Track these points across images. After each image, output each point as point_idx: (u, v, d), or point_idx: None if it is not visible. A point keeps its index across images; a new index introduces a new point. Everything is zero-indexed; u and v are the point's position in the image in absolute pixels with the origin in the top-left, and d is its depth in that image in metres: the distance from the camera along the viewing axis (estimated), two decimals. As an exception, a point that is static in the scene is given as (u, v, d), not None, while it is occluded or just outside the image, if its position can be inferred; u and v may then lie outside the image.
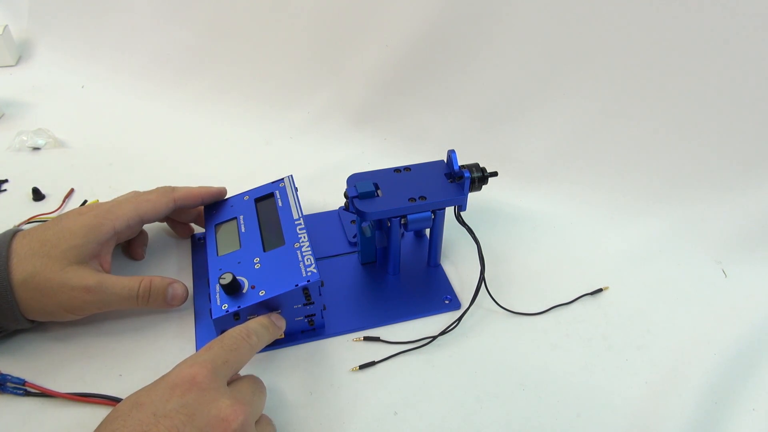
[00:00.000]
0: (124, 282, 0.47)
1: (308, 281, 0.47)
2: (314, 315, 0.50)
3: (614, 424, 0.46)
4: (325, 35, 0.78)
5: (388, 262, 0.57)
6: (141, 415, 0.33)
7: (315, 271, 0.47)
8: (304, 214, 0.54)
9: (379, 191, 0.52)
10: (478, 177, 0.54)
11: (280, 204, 0.55)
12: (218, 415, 0.34)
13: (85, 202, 0.64)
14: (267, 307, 0.47)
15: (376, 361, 0.49)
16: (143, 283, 0.47)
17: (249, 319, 0.47)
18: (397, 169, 0.55)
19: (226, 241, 0.53)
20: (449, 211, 0.54)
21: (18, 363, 0.48)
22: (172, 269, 0.58)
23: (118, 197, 0.53)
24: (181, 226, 0.60)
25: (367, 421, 0.45)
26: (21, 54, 0.96)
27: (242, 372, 0.44)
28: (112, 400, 0.45)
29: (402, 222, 0.52)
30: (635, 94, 0.63)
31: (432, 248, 0.57)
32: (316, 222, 0.62)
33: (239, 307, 0.46)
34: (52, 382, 0.46)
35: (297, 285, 0.47)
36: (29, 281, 0.44)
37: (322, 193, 0.66)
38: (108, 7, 0.90)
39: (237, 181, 0.62)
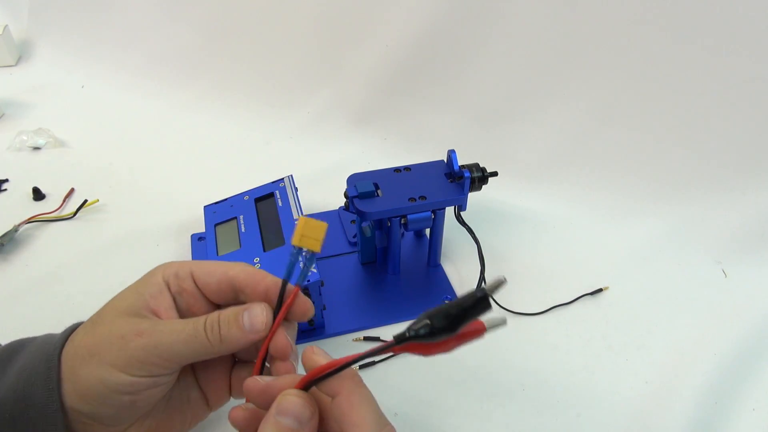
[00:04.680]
0: (183, 322, 0.35)
1: (308, 281, 0.47)
2: (314, 315, 0.50)
3: (614, 424, 0.46)
4: (325, 35, 0.78)
5: (388, 262, 0.57)
6: None
7: (315, 270, 0.47)
8: (304, 214, 0.54)
9: (379, 191, 0.52)
10: (478, 177, 0.54)
11: (280, 204, 0.55)
12: None
13: (85, 202, 0.64)
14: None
15: (376, 361, 0.49)
16: (209, 317, 0.35)
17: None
18: (397, 169, 0.55)
19: (226, 241, 0.53)
20: (449, 211, 0.54)
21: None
22: (172, 269, 0.58)
23: None
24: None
25: (367, 421, 0.45)
26: (21, 54, 0.96)
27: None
28: None
29: (402, 222, 0.52)
30: (635, 95, 0.63)
31: (432, 248, 0.57)
32: (316, 222, 0.62)
33: (239, 307, 0.46)
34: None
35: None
36: (78, 349, 0.34)
37: (322, 193, 0.66)
38: (108, 6, 0.90)
39: (237, 181, 0.62)
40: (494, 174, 0.55)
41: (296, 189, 0.56)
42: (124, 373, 0.32)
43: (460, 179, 0.52)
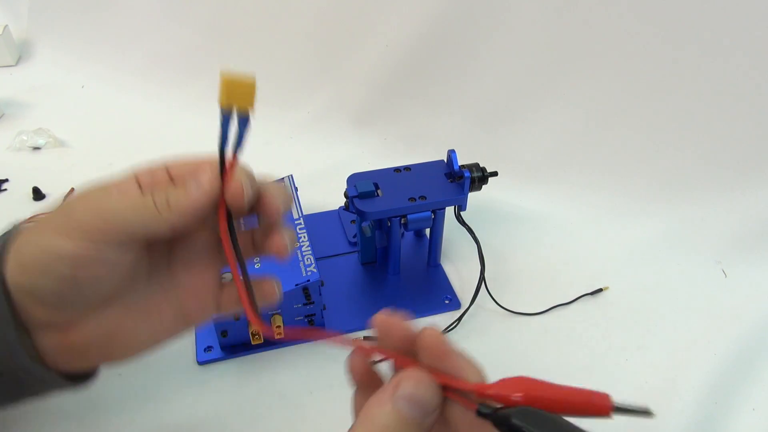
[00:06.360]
0: (136, 193, 0.32)
1: (308, 281, 0.47)
2: (314, 315, 0.50)
3: (614, 424, 0.45)
4: (325, 35, 0.78)
5: (388, 262, 0.57)
6: None
7: (315, 270, 0.47)
8: (304, 214, 0.54)
9: (379, 191, 0.52)
10: (478, 177, 0.54)
11: (280, 204, 0.54)
12: None
13: (85, 201, 0.64)
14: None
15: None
16: (161, 189, 0.32)
17: (249, 319, 0.47)
18: (397, 169, 0.55)
19: (226, 240, 0.52)
20: (449, 211, 0.54)
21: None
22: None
23: None
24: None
25: (367, 421, 0.45)
26: (21, 54, 0.96)
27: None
28: None
29: (402, 222, 0.52)
30: (635, 95, 0.63)
31: (432, 248, 0.57)
32: (316, 222, 0.62)
33: (239, 306, 0.46)
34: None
35: (297, 285, 0.46)
36: (30, 225, 0.32)
37: (322, 193, 0.66)
38: (108, 6, 0.90)
39: (237, 181, 0.62)
40: (494, 174, 0.55)
41: (296, 189, 0.56)
42: (65, 238, 0.29)
43: (460, 179, 0.52)
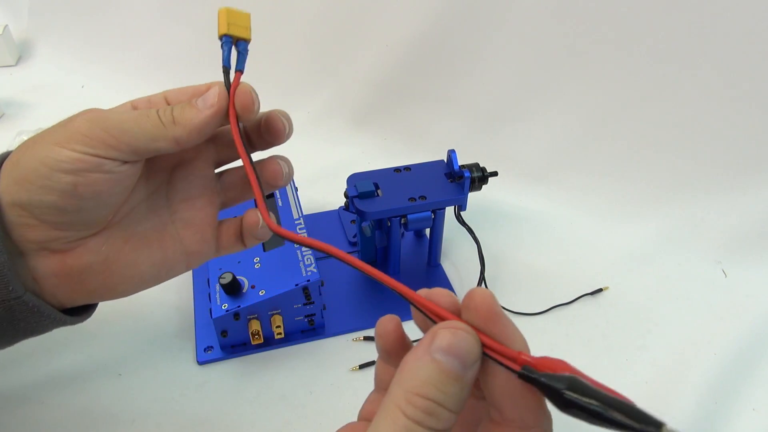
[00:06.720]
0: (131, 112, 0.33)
1: (308, 281, 0.47)
2: (314, 315, 0.50)
3: (614, 424, 0.46)
4: (325, 35, 0.78)
5: (388, 262, 0.57)
6: None
7: (315, 270, 0.47)
8: (304, 214, 0.54)
9: (379, 191, 0.52)
10: (478, 177, 0.54)
11: (280, 204, 0.55)
12: None
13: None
14: (267, 306, 0.47)
15: (375, 361, 0.49)
16: (163, 107, 0.33)
17: (249, 319, 0.47)
18: (397, 169, 0.55)
19: (226, 240, 0.52)
20: (449, 211, 0.54)
21: (16, 367, 0.48)
22: (172, 269, 0.58)
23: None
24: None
25: (367, 421, 0.45)
26: (21, 54, 0.96)
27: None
28: None
29: (402, 222, 0.52)
30: (635, 95, 0.63)
31: (432, 248, 0.57)
32: (316, 222, 0.62)
33: (239, 306, 0.46)
34: (50, 382, 0.47)
35: (297, 285, 0.47)
36: (23, 143, 0.31)
37: (322, 193, 0.66)
38: (108, 6, 0.90)
39: (237, 181, 0.62)
40: (494, 174, 0.55)
41: (296, 189, 0.56)
42: (65, 148, 0.29)
43: (460, 179, 0.52)
